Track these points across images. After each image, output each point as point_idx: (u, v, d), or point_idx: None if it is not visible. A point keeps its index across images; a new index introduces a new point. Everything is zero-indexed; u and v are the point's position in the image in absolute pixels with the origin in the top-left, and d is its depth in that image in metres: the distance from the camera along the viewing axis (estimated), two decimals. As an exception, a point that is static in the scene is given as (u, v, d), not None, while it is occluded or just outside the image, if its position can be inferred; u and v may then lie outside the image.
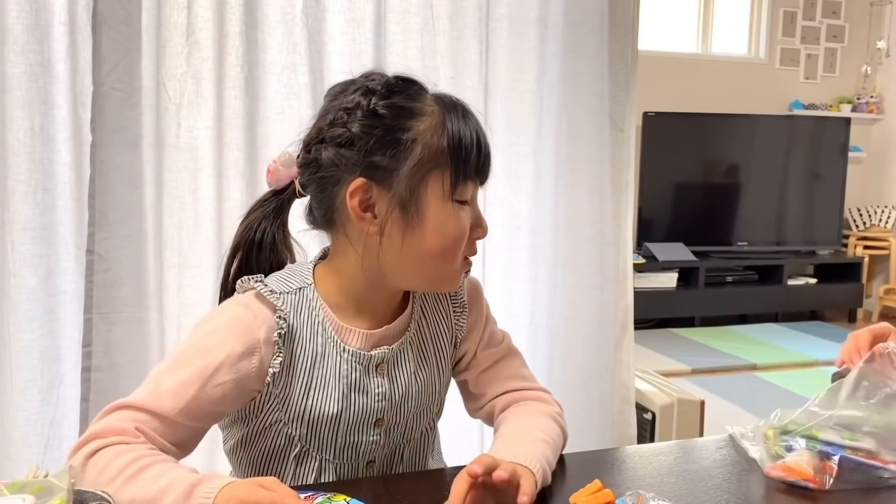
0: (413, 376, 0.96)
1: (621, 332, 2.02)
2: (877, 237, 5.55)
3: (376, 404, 0.93)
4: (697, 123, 5.22)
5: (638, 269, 4.91)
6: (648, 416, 2.19)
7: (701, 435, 2.21)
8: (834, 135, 5.36)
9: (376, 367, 0.93)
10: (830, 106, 5.62)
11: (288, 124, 1.60)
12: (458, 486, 0.77)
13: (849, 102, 5.62)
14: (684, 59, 5.38)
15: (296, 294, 0.90)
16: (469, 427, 1.69)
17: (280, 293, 0.89)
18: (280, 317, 0.87)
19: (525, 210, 1.90)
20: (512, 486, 0.79)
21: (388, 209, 0.85)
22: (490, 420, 1.02)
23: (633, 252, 5.26)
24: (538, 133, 1.88)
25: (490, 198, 1.86)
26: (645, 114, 5.04)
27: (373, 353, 0.92)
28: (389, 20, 1.66)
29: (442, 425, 1.06)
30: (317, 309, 0.90)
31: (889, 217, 5.56)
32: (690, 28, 5.50)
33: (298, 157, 0.91)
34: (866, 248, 5.55)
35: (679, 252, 5.07)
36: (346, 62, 1.61)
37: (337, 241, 0.92)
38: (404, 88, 0.88)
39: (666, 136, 5.14)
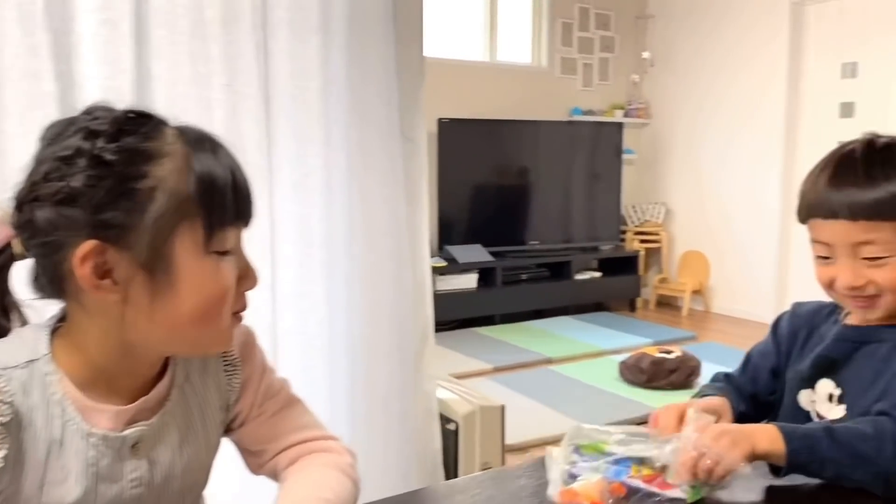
0: (177, 452, 0.82)
1: (422, 345, 1.99)
2: (650, 231, 6.08)
3: (131, 492, 0.79)
4: (489, 129, 5.41)
5: (439, 271, 4.99)
6: (452, 426, 2.18)
7: (503, 439, 2.25)
8: (609, 138, 5.80)
9: (131, 448, 0.78)
10: (605, 112, 6.06)
11: (33, 139, 1.38)
12: None
13: (621, 108, 6.10)
14: (475, 67, 5.55)
15: (25, 369, 0.74)
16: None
17: (4, 369, 0.72)
18: (3, 401, 0.71)
19: (317, 224, 1.81)
20: None
21: (130, 273, 0.72)
22: (275, 477, 0.92)
23: (435, 255, 5.32)
24: (327, 143, 1.80)
25: (279, 212, 1.75)
26: (440, 120, 5.12)
27: (125, 433, 0.78)
28: (153, 22, 1.49)
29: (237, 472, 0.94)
30: (53, 385, 0.74)
31: (660, 212, 6.10)
32: (479, 36, 5.68)
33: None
34: (642, 241, 6.05)
35: (478, 253, 5.22)
36: (102, 68, 1.42)
37: (73, 311, 0.77)
38: (137, 126, 0.74)
39: (461, 141, 5.27)
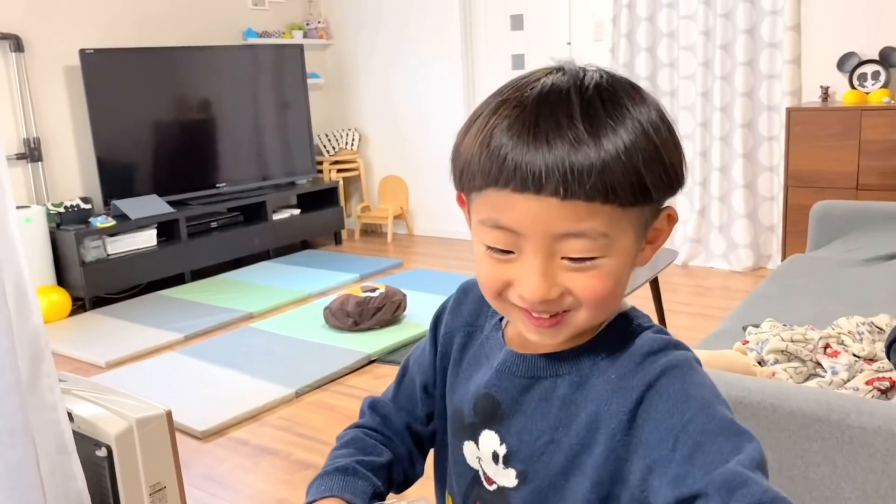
0: None
1: (35, 367, 1.49)
2: (346, 160, 5.82)
3: None
4: (151, 59, 4.65)
5: (108, 232, 4.28)
6: (102, 451, 1.72)
7: (175, 451, 1.85)
8: (292, 62, 5.34)
9: None
10: (284, 33, 5.57)
11: None
12: None
13: (300, 29, 5.64)
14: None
15: None
16: None
17: None
18: None
19: None
20: None
21: None
22: None
23: (102, 214, 4.53)
24: None
25: None
26: (82, 51, 4.28)
27: None
28: None
29: None
30: None
31: (354, 139, 5.85)
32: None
33: None
34: (339, 171, 5.78)
35: (154, 205, 4.55)
36: None
37: None
38: None
39: (117, 75, 4.47)
